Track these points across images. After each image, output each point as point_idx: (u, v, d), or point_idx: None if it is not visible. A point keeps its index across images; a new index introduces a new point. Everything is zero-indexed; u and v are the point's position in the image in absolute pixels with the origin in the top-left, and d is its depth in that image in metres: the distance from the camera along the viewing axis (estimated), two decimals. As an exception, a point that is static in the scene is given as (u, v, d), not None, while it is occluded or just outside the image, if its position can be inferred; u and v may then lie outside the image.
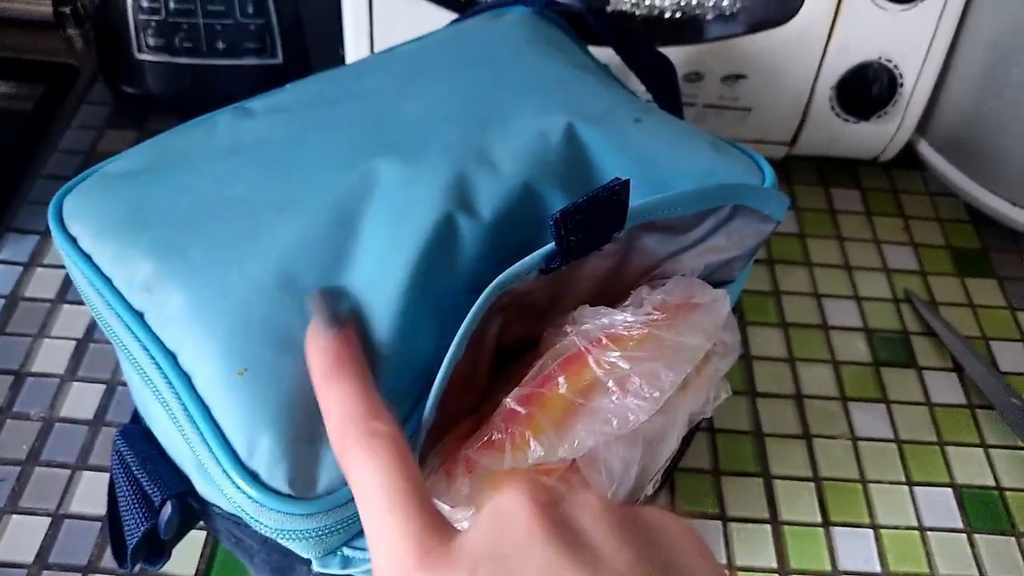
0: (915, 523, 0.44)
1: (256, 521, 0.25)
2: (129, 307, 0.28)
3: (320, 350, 0.26)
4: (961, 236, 0.59)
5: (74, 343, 0.48)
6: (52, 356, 0.48)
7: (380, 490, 0.23)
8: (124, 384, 0.47)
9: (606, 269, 0.30)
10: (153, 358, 0.27)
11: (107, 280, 0.29)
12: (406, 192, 0.29)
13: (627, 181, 0.27)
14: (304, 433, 0.25)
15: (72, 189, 0.32)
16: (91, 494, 0.43)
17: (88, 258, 0.29)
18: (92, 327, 0.49)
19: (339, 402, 0.25)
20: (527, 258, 0.27)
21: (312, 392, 0.25)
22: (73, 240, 0.30)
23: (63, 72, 0.64)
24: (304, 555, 0.26)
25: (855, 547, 0.43)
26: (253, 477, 0.25)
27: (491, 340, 0.29)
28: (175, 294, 0.27)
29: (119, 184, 0.31)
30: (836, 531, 0.44)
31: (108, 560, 0.40)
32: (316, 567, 0.27)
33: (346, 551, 0.27)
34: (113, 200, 0.30)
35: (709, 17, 0.53)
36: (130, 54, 0.58)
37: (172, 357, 0.27)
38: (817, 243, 0.57)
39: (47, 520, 0.41)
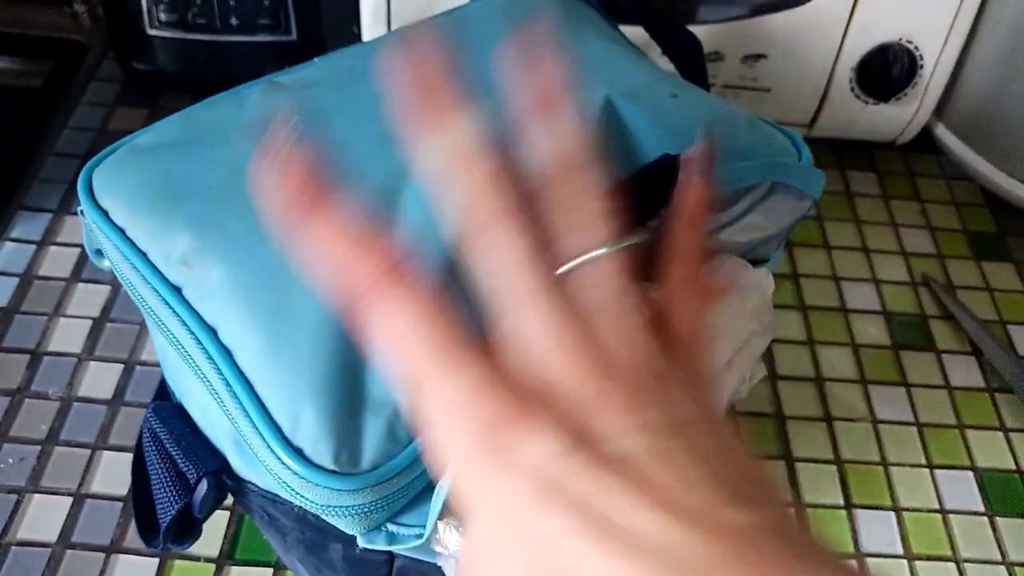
0: (936, 506, 0.44)
1: (302, 497, 0.25)
2: (166, 281, 0.27)
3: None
4: (978, 220, 0.59)
5: (90, 322, 0.48)
6: (69, 335, 0.47)
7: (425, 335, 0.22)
8: (143, 363, 0.46)
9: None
10: (193, 333, 0.26)
11: (142, 254, 0.28)
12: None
13: (677, 156, 0.26)
14: (347, 406, 0.25)
15: (101, 162, 0.31)
16: (112, 474, 0.42)
17: (121, 232, 0.29)
18: (108, 306, 0.49)
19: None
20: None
21: (355, 364, 0.25)
22: (105, 213, 0.29)
23: (71, 49, 0.63)
24: (349, 531, 0.26)
25: (877, 529, 0.43)
26: (298, 453, 0.25)
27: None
28: (214, 268, 0.27)
29: (150, 157, 0.31)
30: (858, 513, 0.44)
31: (131, 540, 0.40)
32: (361, 543, 0.27)
33: (391, 527, 0.26)
34: (145, 173, 0.30)
35: (730, -4, 0.52)
36: (142, 30, 0.57)
37: (212, 332, 0.26)
38: (835, 226, 0.57)
39: (69, 500, 0.41)
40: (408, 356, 0.22)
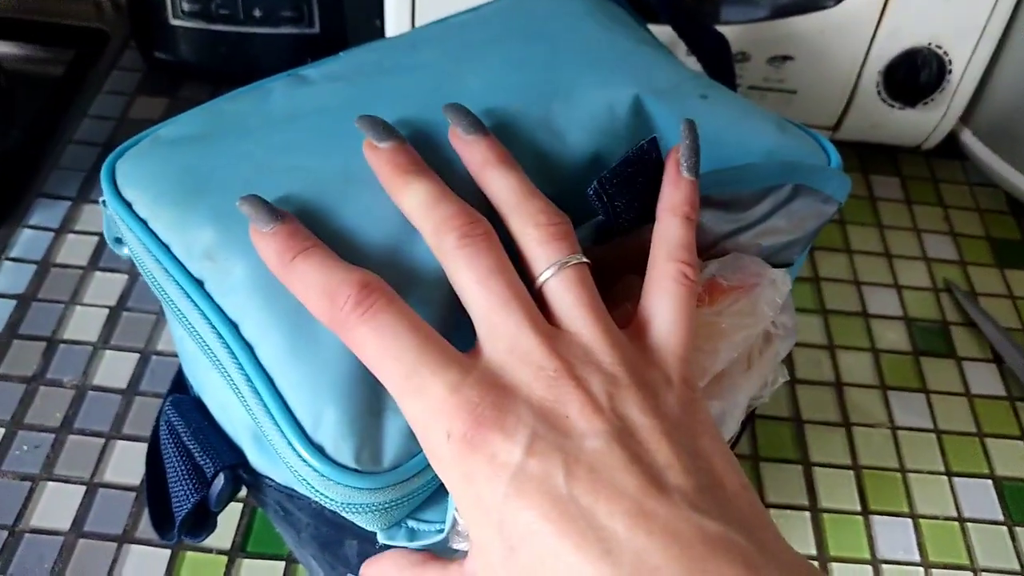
0: (954, 514, 0.44)
1: (321, 494, 0.25)
2: (188, 275, 0.27)
3: (268, 237, 0.25)
4: (1001, 227, 0.58)
5: (107, 311, 0.48)
6: (85, 323, 0.47)
7: (396, 357, 0.23)
8: (158, 353, 0.46)
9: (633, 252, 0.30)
10: (214, 327, 0.26)
11: (165, 247, 0.28)
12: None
13: (654, 138, 0.27)
14: (369, 406, 0.25)
15: (124, 153, 0.31)
16: (125, 463, 0.42)
17: (144, 223, 0.28)
18: (125, 295, 0.49)
19: (312, 274, 0.24)
20: (579, 228, 0.27)
21: None
22: (128, 205, 0.29)
23: (93, 37, 0.63)
24: (369, 528, 0.26)
25: (894, 536, 0.43)
26: (319, 451, 0.24)
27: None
28: (238, 263, 0.26)
29: (174, 150, 0.30)
30: (875, 519, 0.43)
31: (143, 530, 0.40)
32: (381, 539, 0.26)
33: (411, 523, 0.26)
34: (169, 166, 0.30)
35: (757, -4, 0.52)
36: (164, 20, 0.57)
37: (234, 327, 0.26)
38: (857, 230, 0.57)
39: (82, 488, 0.41)
40: (391, 368, 0.23)
